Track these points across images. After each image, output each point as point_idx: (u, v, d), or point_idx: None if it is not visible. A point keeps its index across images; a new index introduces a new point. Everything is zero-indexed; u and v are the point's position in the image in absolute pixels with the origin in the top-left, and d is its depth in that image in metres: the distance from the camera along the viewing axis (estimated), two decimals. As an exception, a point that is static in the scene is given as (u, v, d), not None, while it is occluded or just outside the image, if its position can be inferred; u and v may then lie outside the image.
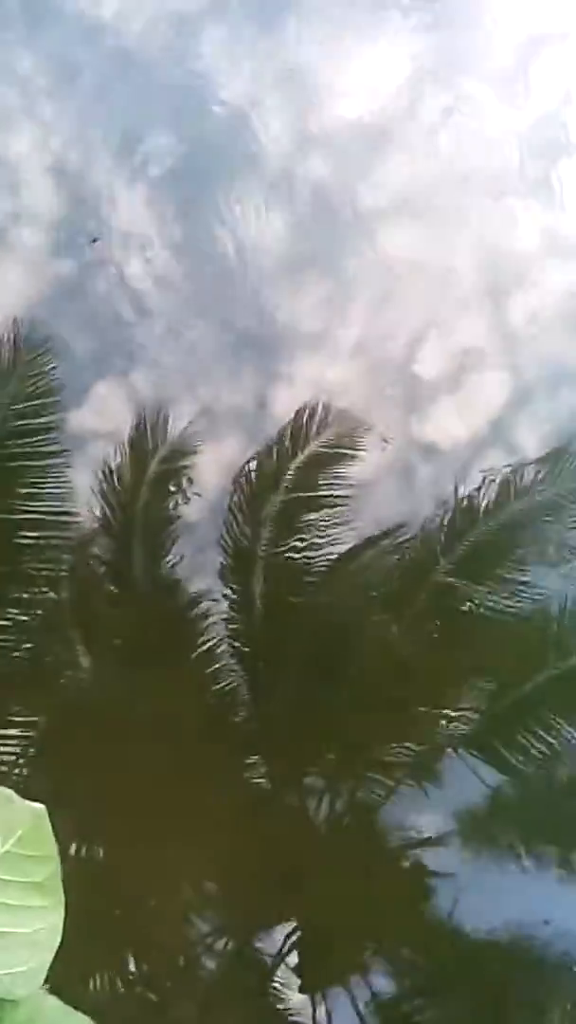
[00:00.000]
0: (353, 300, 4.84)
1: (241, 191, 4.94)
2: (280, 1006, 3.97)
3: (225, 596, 4.42)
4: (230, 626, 4.40)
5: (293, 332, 4.79)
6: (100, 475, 4.51)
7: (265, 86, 5.14)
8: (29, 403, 4.60)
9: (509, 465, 4.68)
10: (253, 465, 4.59)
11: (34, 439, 4.57)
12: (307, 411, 4.65)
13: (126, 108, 5.15)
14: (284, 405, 4.68)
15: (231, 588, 4.43)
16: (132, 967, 3.93)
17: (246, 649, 4.39)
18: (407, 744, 4.40)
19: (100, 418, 4.63)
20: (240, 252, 4.86)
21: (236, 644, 4.37)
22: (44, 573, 4.38)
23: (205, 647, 4.36)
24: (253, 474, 4.57)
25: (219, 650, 4.37)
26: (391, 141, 5.03)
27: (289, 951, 4.05)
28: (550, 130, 5.00)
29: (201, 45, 5.21)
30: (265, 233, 4.88)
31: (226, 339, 4.82)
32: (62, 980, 3.22)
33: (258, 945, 4.08)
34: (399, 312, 4.82)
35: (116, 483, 4.50)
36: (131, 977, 3.91)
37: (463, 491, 4.63)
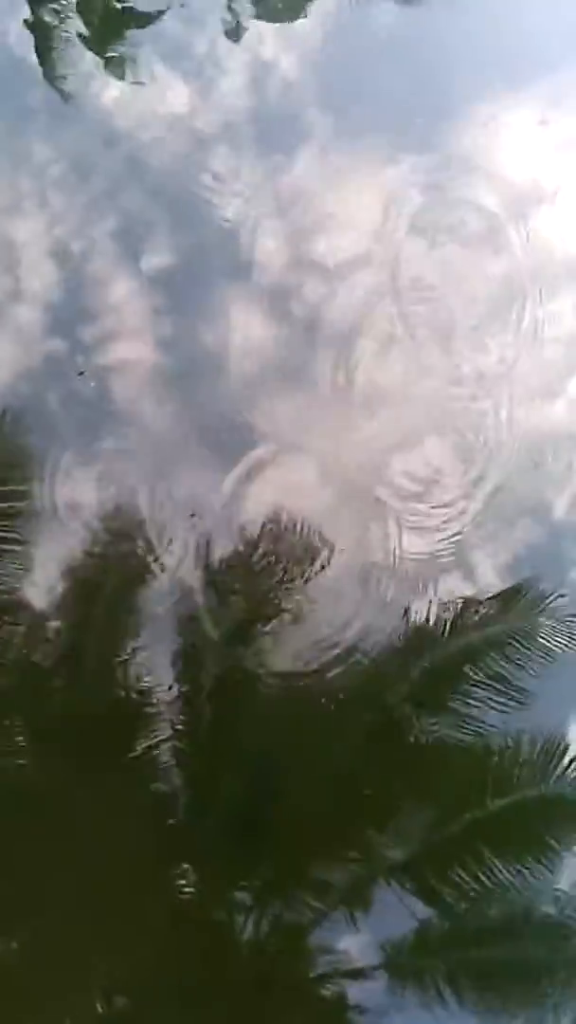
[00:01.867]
0: (325, 415, 4.78)
1: (230, 300, 4.91)
2: None
3: (177, 696, 4.21)
4: (176, 728, 4.17)
5: (264, 437, 4.70)
6: (65, 559, 4.32)
7: (265, 207, 5.16)
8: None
9: (463, 597, 4.57)
10: (213, 566, 4.43)
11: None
12: (270, 520, 4.54)
13: (131, 209, 5.13)
14: (249, 509, 4.58)
15: (179, 687, 4.22)
16: None
17: (189, 753, 4.15)
18: (340, 867, 4.17)
19: (70, 500, 4.47)
20: (222, 355, 4.81)
21: (180, 747, 4.14)
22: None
23: (148, 745, 4.12)
24: (212, 577, 4.41)
25: (162, 751, 4.14)
26: (378, 272, 5.04)
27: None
28: (521, 277, 5.04)
29: (210, 161, 5.24)
30: (248, 342, 4.83)
31: (200, 436, 4.72)
32: None
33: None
34: (368, 431, 4.77)
35: (80, 568, 4.32)
36: None
37: (419, 616, 4.50)
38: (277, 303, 4.93)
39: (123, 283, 4.94)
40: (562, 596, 4.54)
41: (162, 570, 4.42)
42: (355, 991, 4.01)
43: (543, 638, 4.52)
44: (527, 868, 4.23)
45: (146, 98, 5.36)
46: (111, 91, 5.35)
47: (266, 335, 4.87)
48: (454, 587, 4.59)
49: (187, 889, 3.96)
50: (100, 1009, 3.83)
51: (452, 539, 4.62)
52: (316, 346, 4.88)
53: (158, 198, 5.13)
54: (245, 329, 4.85)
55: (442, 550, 4.60)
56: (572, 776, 4.31)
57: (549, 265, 5.07)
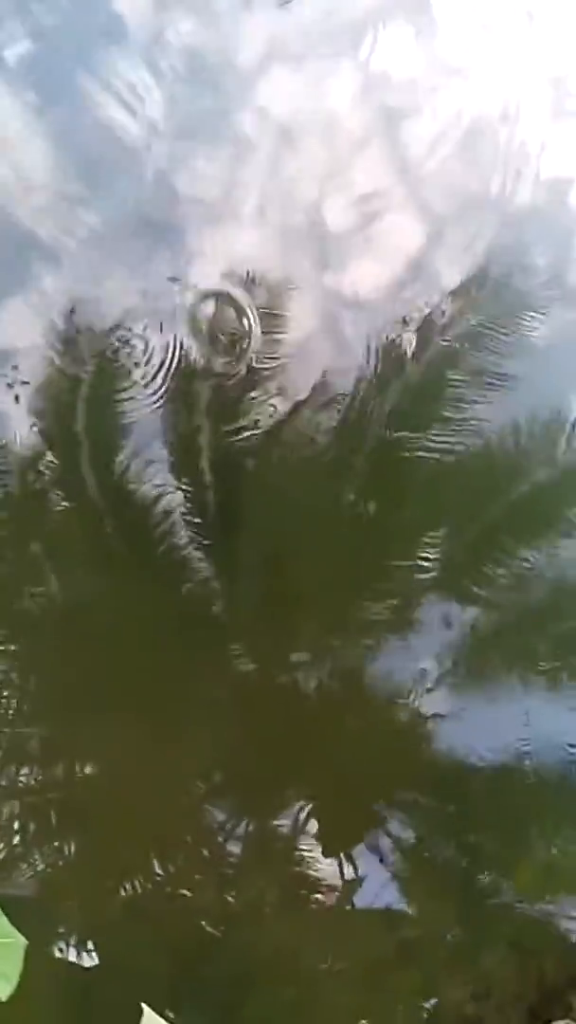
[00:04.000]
0: (246, 162, 4.46)
1: (107, 69, 4.47)
2: (311, 872, 3.90)
3: (179, 489, 4.16)
4: (188, 519, 4.15)
5: (192, 206, 4.41)
6: (30, 392, 4.16)
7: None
8: None
9: (427, 304, 4.44)
10: (180, 353, 4.27)
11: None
12: (223, 288, 4.34)
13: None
14: (199, 282, 4.33)
15: (182, 482, 4.17)
16: (158, 869, 3.81)
17: (207, 540, 4.15)
18: (379, 601, 4.26)
19: (13, 334, 4.25)
20: (118, 132, 4.43)
21: (198, 536, 4.14)
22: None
23: (168, 544, 4.12)
24: (181, 363, 4.27)
25: (183, 545, 4.14)
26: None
27: (307, 821, 3.97)
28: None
29: None
30: (141, 108, 4.44)
31: (123, 227, 4.41)
32: (92, 892, 3.09)
33: (277, 823, 3.98)
34: (296, 167, 4.46)
35: (49, 395, 4.17)
36: (159, 879, 3.80)
37: (388, 339, 4.39)
38: (162, 56, 4.50)
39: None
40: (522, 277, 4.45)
41: (132, 373, 4.27)
42: (427, 704, 4.15)
43: (513, 320, 4.45)
44: (555, 547, 4.34)
45: None
46: None
47: (161, 97, 4.46)
48: (415, 293, 4.44)
49: (247, 666, 4.05)
50: (202, 787, 4.00)
51: (405, 253, 4.44)
52: (219, 92, 4.50)
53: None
54: (136, 96, 4.43)
55: (400, 271, 4.43)
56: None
57: None
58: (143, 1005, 1.82)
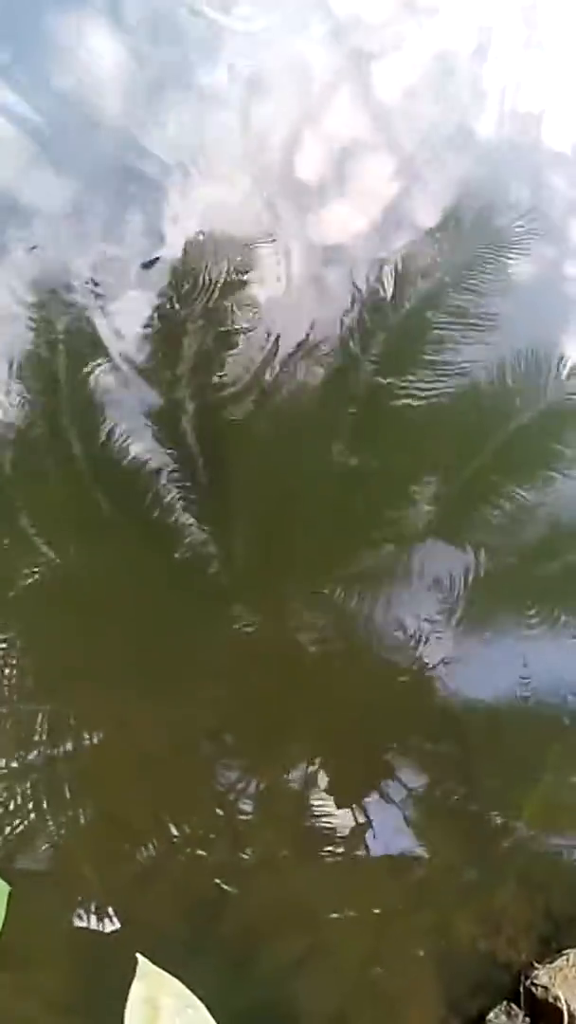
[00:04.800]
0: (215, 114, 4.40)
1: (71, 27, 4.40)
2: (325, 825, 3.93)
3: (166, 452, 4.15)
4: (178, 482, 4.14)
5: (164, 162, 4.35)
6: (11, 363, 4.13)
7: None
8: None
9: (406, 246, 4.40)
10: (158, 315, 4.24)
11: None
12: (199, 243, 4.28)
13: None
14: (176, 241, 4.30)
15: (168, 445, 4.15)
16: (173, 831, 3.84)
17: (198, 502, 4.14)
18: (375, 551, 4.26)
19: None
20: (85, 92, 4.36)
21: (189, 499, 4.13)
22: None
23: (160, 509, 4.11)
24: (160, 323, 4.23)
25: (175, 508, 4.13)
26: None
27: (316, 774, 4.00)
28: None
29: None
30: (108, 67, 4.37)
31: (96, 187, 4.35)
32: (107, 857, 3.11)
33: (288, 778, 4.00)
34: (267, 116, 4.41)
35: (28, 363, 4.13)
36: (175, 841, 3.82)
37: (369, 284, 4.36)
38: (122, 13, 4.43)
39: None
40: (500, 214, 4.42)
41: (109, 335, 4.23)
42: (428, 650, 4.16)
43: (494, 258, 4.42)
44: (545, 484, 4.34)
45: None
46: None
47: (124, 52, 4.38)
48: (394, 236, 4.41)
49: (248, 625, 4.06)
50: (212, 749, 4.02)
51: (382, 196, 4.39)
52: (183, 43, 4.43)
53: None
54: (103, 54, 4.36)
55: (377, 214, 4.39)
56: (567, 380, 4.34)
57: None
58: (138, 956, 1.86)
